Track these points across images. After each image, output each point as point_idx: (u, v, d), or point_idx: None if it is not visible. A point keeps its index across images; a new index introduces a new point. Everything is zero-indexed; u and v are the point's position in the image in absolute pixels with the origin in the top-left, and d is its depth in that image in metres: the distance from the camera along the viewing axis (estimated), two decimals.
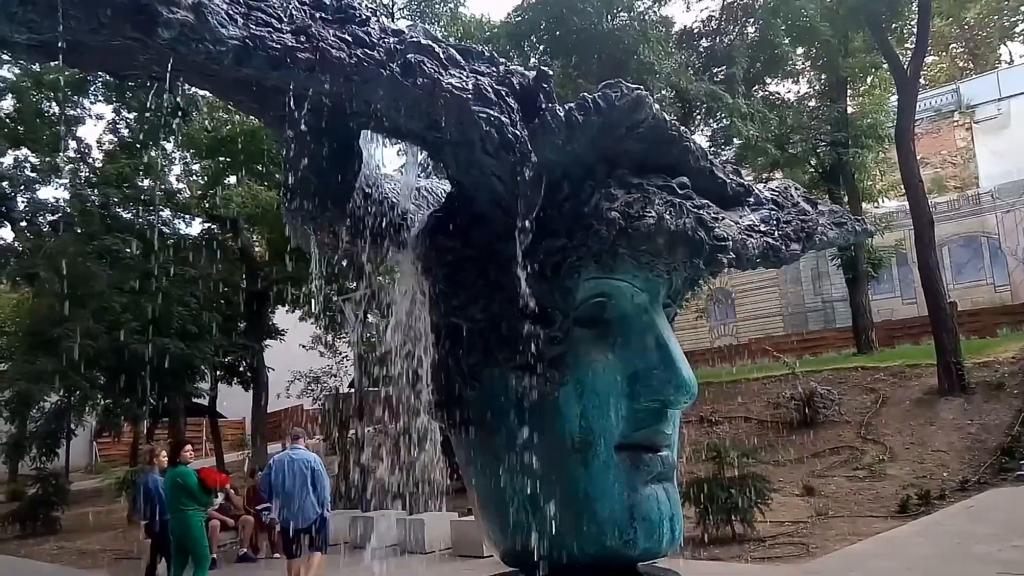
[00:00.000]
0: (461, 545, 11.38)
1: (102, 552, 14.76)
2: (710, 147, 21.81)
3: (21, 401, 19.33)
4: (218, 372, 23.55)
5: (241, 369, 23.90)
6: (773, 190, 2.36)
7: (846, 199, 23.77)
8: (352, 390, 18.33)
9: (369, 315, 15.86)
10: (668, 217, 1.84)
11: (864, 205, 25.19)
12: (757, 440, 16.23)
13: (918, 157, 20.90)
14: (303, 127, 1.77)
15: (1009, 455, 13.75)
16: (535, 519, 1.95)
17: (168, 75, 1.63)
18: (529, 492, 1.95)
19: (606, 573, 1.97)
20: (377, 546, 12.25)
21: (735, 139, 24.08)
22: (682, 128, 1.99)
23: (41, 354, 17.93)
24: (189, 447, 10.27)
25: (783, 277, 36.00)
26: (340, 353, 24.05)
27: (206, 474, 10.07)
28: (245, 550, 12.54)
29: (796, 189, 2.42)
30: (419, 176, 2.40)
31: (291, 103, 1.70)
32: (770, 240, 2.13)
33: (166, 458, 10.47)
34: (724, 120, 23.27)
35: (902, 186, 21.44)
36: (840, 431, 16.64)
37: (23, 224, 22.38)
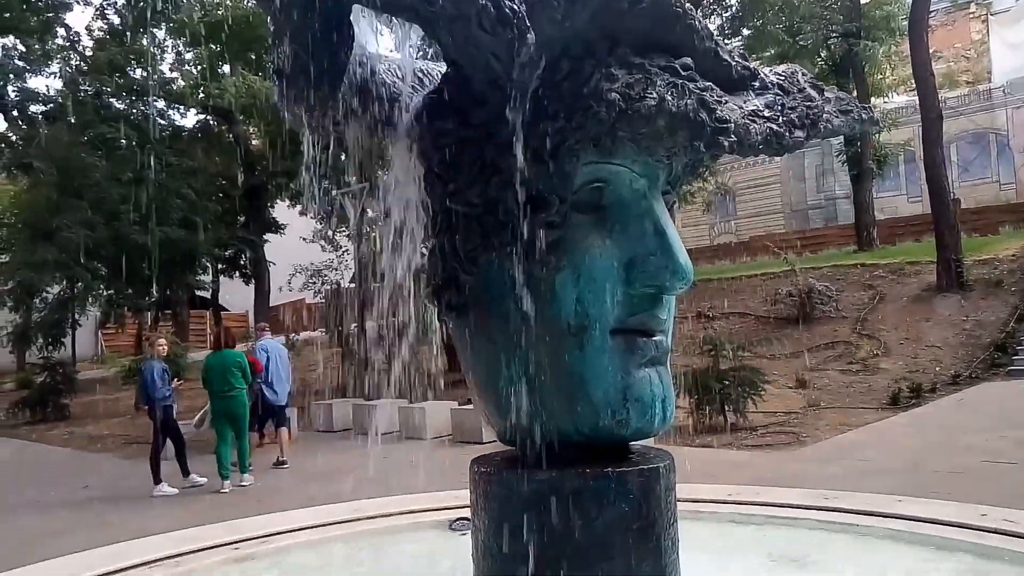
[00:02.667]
0: (460, 432, 11.71)
1: (110, 437, 15.22)
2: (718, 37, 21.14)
3: (24, 291, 19.50)
4: (219, 265, 23.65)
5: (242, 263, 23.98)
6: (779, 74, 2.28)
7: (855, 93, 23.25)
8: (352, 285, 18.47)
9: (368, 208, 15.81)
10: (670, 99, 1.79)
11: (873, 100, 24.67)
12: (753, 335, 16.47)
13: (931, 50, 20.32)
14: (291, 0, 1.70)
15: (1002, 350, 13.99)
16: (531, 400, 1.99)
17: None
18: (525, 374, 1.98)
19: (599, 451, 2.02)
20: (379, 432, 12.66)
21: (744, 29, 23.35)
22: (688, 5, 1.91)
23: (41, 244, 17.96)
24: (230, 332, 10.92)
25: (786, 174, 35.64)
26: (341, 247, 24.10)
27: (250, 359, 10.80)
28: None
29: (803, 74, 2.34)
30: (415, 58, 2.32)
31: None
32: (774, 126, 2.07)
33: (164, 347, 11.04)
34: (734, 6, 22.50)
35: (912, 80, 20.94)
36: (836, 327, 16.87)
37: (15, 114, 22.00)
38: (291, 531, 3.67)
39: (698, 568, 2.46)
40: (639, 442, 2.18)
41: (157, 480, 9.67)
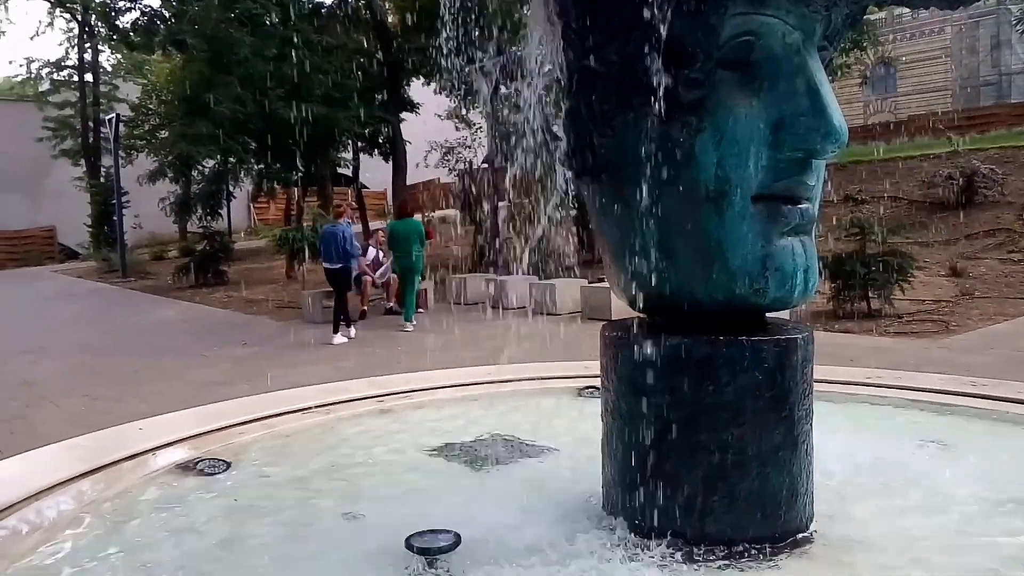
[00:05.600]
0: (589, 309, 11.83)
1: (264, 301, 16.37)
2: None
3: (183, 163, 20.82)
4: (359, 143, 24.27)
5: (380, 141, 24.50)
6: None
7: None
8: (485, 165, 18.60)
9: (501, 85, 15.64)
10: None
11: None
12: (906, 220, 15.49)
13: None
14: None
15: None
16: (664, 266, 1.97)
17: None
18: (660, 240, 1.95)
19: (734, 320, 1.99)
20: (511, 305, 13.03)
21: None
22: None
23: (197, 119, 18.98)
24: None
25: (957, 45, 32.36)
26: (474, 124, 24.13)
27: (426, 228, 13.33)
28: (391, 304, 13.57)
29: None
30: None
31: None
32: None
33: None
34: None
35: None
36: (999, 213, 15.58)
37: None
38: (429, 389, 3.89)
39: (833, 444, 2.44)
40: (778, 314, 2.14)
41: (336, 330, 11.23)
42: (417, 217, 14.04)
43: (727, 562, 1.88)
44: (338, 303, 11.52)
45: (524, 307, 13.01)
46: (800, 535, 2.00)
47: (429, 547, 1.92)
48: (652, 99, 1.83)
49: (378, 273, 13.64)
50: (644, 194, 1.93)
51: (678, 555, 1.89)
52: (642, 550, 1.91)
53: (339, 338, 11.14)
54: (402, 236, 12.15)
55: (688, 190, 1.88)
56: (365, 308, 12.82)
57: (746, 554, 1.91)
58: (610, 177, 2.05)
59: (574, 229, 13.94)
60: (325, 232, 12.04)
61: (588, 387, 3.61)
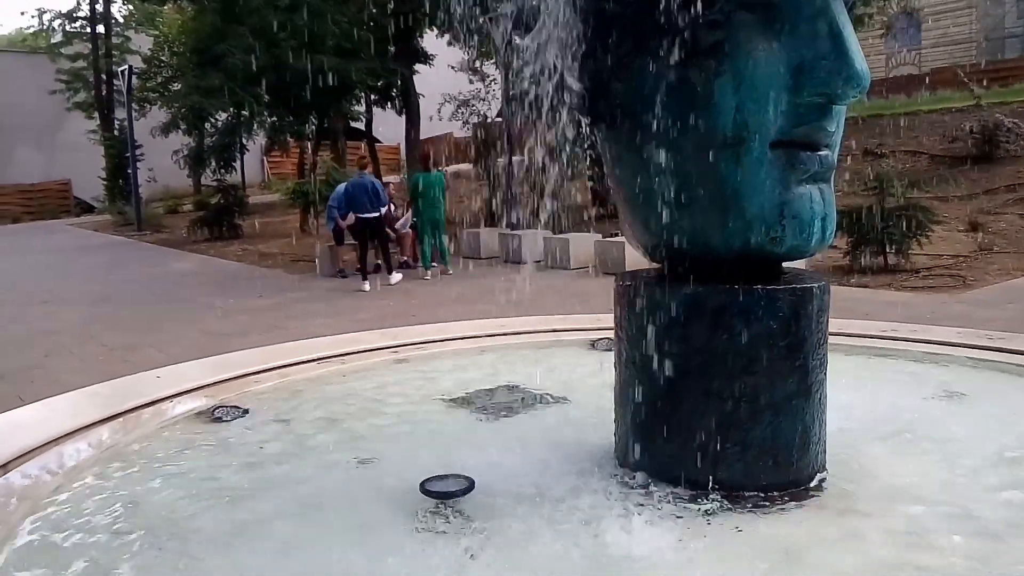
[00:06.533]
0: (603, 263, 11.81)
1: (279, 255, 16.44)
2: None
3: (195, 115, 20.72)
4: (372, 96, 24.07)
5: (393, 94, 24.28)
6: None
7: None
8: (499, 119, 18.43)
9: (515, 36, 15.39)
10: None
11: None
12: (925, 174, 15.28)
13: None
14: None
15: None
16: (680, 214, 1.94)
17: None
18: (676, 187, 1.93)
19: (750, 269, 1.97)
20: (524, 259, 13.04)
21: None
22: None
23: (209, 70, 18.86)
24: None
25: None
26: (488, 76, 23.82)
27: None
28: (405, 258, 13.61)
29: None
30: None
31: None
32: None
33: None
34: None
35: None
36: (1021, 167, 15.33)
37: None
38: (444, 340, 3.91)
39: (846, 395, 2.44)
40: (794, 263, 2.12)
41: (364, 277, 11.93)
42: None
43: (737, 509, 1.89)
44: (384, 249, 12.40)
45: (538, 261, 13.02)
46: (811, 483, 2.01)
47: (444, 491, 1.95)
48: (670, 42, 1.79)
49: (397, 226, 13.86)
50: (660, 140, 1.90)
51: (689, 501, 1.91)
52: (653, 497, 1.93)
53: (396, 276, 12.16)
54: (431, 186, 12.55)
55: (705, 136, 1.85)
56: (380, 262, 12.87)
57: (757, 501, 1.92)
58: (626, 123, 2.02)
59: (589, 183, 13.86)
60: (353, 184, 12.28)
61: (601, 339, 3.62)
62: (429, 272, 12.48)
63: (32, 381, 6.75)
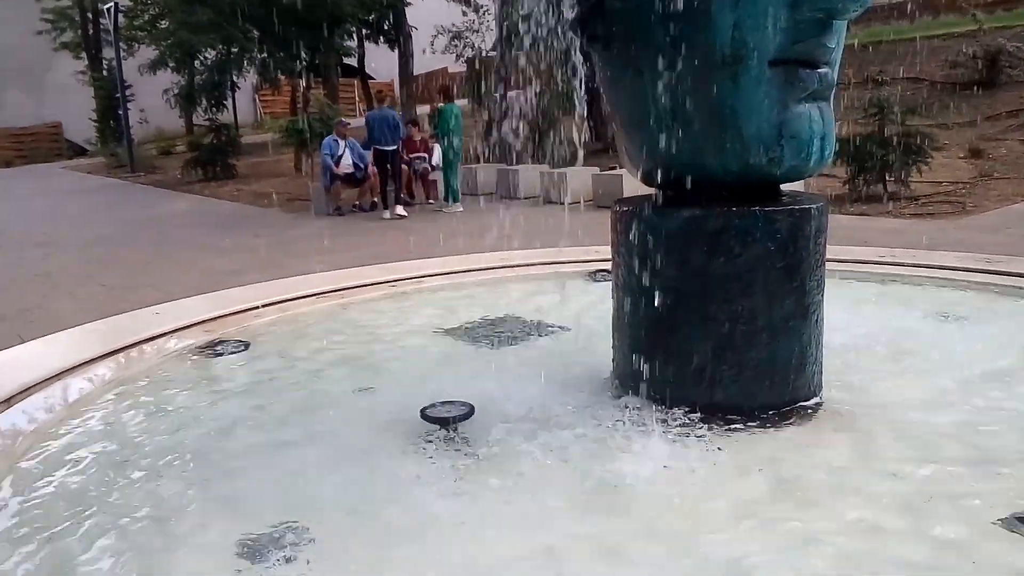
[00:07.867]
0: (600, 197, 11.72)
1: (274, 194, 16.30)
2: None
3: (184, 51, 20.27)
4: (363, 31, 23.55)
5: (385, 27, 23.75)
6: None
7: None
8: (494, 52, 18.07)
9: None
10: None
11: None
12: (926, 101, 15.06)
13: None
14: None
15: None
16: (677, 136, 1.92)
17: None
18: (673, 108, 1.90)
19: (748, 191, 1.95)
20: (521, 194, 12.98)
21: None
22: None
23: (196, 5, 18.42)
24: None
25: None
26: (481, 7, 23.28)
27: None
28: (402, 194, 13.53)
29: None
30: None
31: None
32: None
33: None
34: None
35: None
36: (1023, 93, 15.09)
37: None
38: (443, 274, 3.91)
39: (845, 317, 2.45)
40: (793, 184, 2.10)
41: (386, 206, 12.06)
42: (426, 108, 13.75)
43: (734, 428, 1.92)
44: (397, 182, 12.25)
45: (535, 196, 12.93)
46: (808, 402, 2.03)
47: (444, 416, 1.97)
48: None
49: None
50: (657, 61, 1.86)
51: (686, 422, 1.93)
52: (651, 419, 1.95)
53: (387, 213, 11.95)
54: (457, 117, 12.33)
55: (703, 55, 1.82)
56: (376, 200, 12.76)
57: (754, 421, 1.94)
58: (623, 44, 1.98)
59: (586, 117, 13.65)
60: (374, 116, 12.24)
61: (599, 271, 3.62)
62: (458, 205, 12.27)
63: (32, 322, 6.76)
